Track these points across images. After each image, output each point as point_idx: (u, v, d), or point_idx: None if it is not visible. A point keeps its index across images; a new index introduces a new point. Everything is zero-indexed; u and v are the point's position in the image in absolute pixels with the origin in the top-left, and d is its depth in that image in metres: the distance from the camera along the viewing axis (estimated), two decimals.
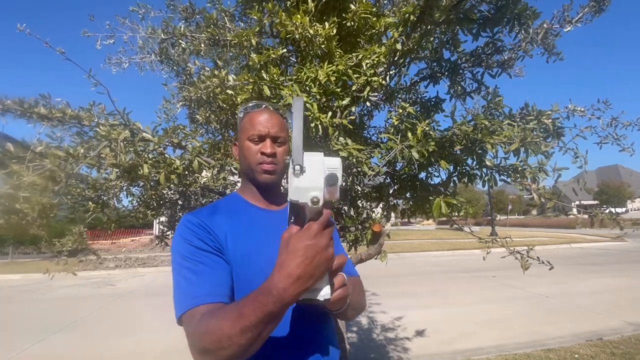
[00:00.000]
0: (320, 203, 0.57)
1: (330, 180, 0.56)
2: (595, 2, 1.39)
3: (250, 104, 0.91)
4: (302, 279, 0.56)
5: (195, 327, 0.62)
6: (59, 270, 1.50)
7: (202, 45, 1.71)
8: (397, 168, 1.65)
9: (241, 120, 0.91)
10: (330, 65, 1.40)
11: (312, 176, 0.57)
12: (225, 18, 1.70)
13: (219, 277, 0.71)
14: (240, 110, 0.92)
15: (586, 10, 1.41)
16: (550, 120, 1.33)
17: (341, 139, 1.38)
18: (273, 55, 1.44)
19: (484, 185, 1.59)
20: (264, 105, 0.90)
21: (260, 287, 0.58)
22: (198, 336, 0.60)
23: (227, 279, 0.72)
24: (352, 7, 1.49)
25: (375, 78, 1.39)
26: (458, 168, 1.49)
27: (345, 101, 1.43)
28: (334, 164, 0.61)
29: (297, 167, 0.57)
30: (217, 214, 0.81)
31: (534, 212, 55.99)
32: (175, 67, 2.00)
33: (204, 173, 1.94)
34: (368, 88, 1.41)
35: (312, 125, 1.29)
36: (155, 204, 2.06)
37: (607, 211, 1.32)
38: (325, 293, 0.62)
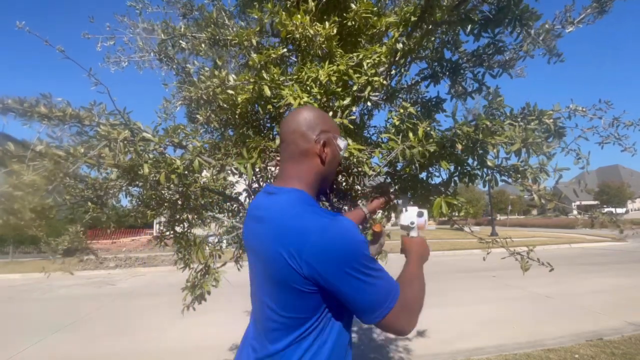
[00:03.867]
0: (415, 225, 1.08)
1: (420, 214, 1.08)
2: (597, 4, 1.38)
3: None
4: (421, 254, 0.98)
5: (406, 302, 0.76)
6: (55, 270, 1.50)
7: (202, 45, 1.70)
8: (397, 168, 1.64)
9: (327, 118, 0.87)
10: (331, 65, 1.39)
11: (409, 214, 1.09)
12: (225, 17, 1.70)
13: None
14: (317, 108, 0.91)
15: (588, 11, 1.40)
16: (551, 120, 1.33)
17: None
18: (273, 55, 1.44)
19: (484, 186, 1.58)
20: None
21: (411, 257, 0.96)
22: (418, 305, 0.79)
23: None
24: (353, 6, 1.49)
25: (376, 78, 1.39)
26: (459, 168, 1.48)
27: (346, 101, 1.42)
28: (422, 210, 1.10)
29: (404, 209, 1.11)
30: None
31: (534, 212, 55.98)
32: (174, 66, 1.99)
33: (204, 173, 1.94)
34: (369, 88, 1.40)
35: None
36: (155, 204, 2.05)
37: (607, 212, 1.31)
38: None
